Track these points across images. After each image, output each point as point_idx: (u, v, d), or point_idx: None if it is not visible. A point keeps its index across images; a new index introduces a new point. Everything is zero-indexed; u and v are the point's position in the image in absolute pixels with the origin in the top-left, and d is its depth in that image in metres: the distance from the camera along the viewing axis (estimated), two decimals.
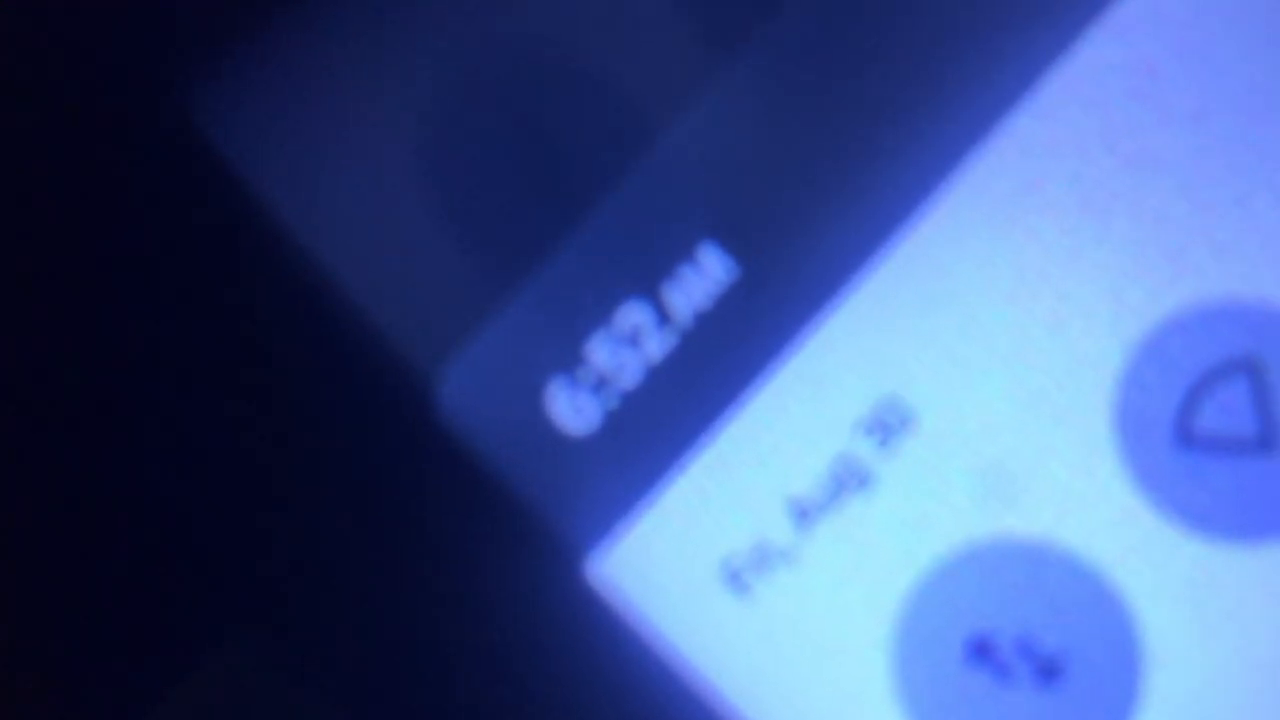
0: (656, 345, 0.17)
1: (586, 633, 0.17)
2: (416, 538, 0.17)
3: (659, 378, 0.17)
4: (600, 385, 0.17)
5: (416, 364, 0.17)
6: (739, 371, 0.17)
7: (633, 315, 0.17)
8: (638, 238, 0.17)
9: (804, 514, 0.17)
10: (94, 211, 0.17)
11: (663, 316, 0.17)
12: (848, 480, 0.17)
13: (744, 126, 0.17)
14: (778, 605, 0.17)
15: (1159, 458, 0.17)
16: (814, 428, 0.17)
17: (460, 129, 0.17)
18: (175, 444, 0.17)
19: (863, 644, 0.17)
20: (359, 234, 0.17)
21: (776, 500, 0.17)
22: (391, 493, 0.17)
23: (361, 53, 0.17)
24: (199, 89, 0.17)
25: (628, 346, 0.17)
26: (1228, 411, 0.17)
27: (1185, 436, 0.17)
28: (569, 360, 0.17)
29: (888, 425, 0.17)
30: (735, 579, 0.17)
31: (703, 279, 0.17)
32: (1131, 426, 0.17)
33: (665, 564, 0.17)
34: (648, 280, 0.17)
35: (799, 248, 0.17)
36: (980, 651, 0.17)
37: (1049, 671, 0.17)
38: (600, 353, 0.17)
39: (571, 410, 0.17)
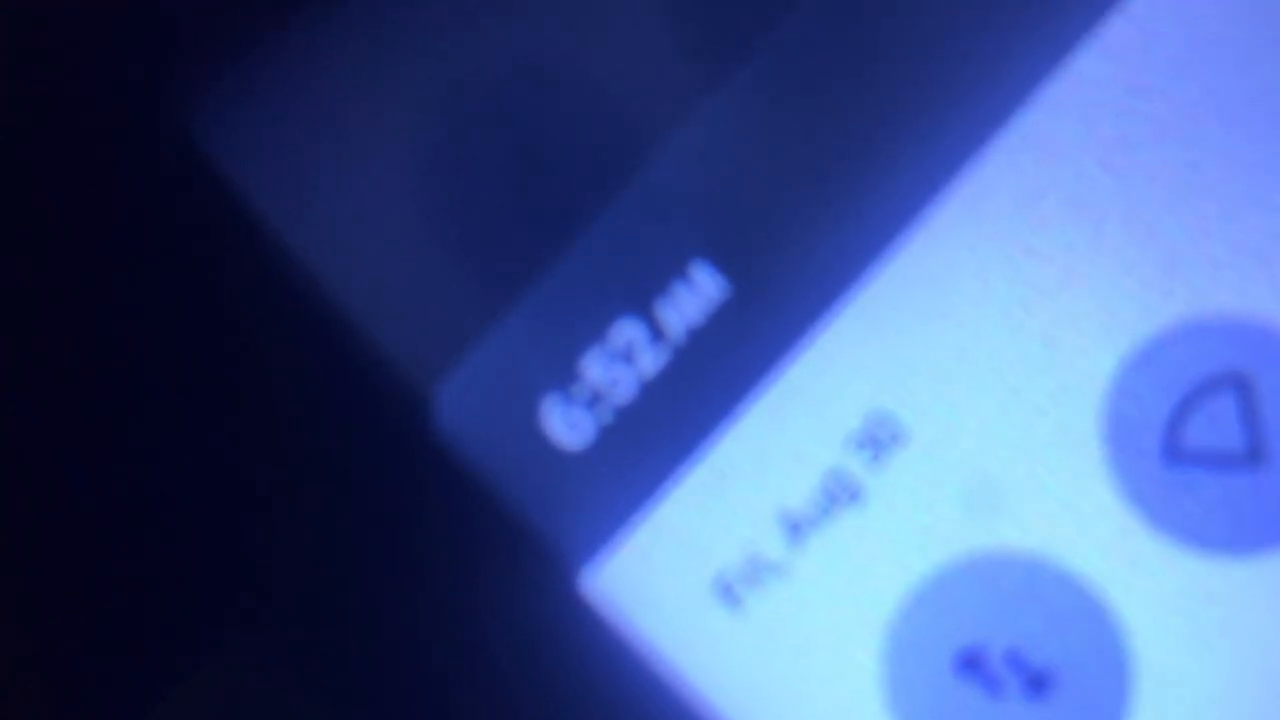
0: (650, 361, 0.17)
1: (581, 645, 0.17)
2: (413, 550, 0.17)
3: (652, 393, 0.17)
4: (594, 401, 0.17)
5: (413, 379, 0.17)
6: (731, 387, 0.17)
7: (626, 332, 0.17)
8: (631, 255, 0.17)
9: (796, 528, 0.17)
10: (93, 226, 0.17)
11: (656, 333, 0.17)
12: (839, 494, 0.17)
13: (735, 145, 0.17)
14: (770, 618, 0.17)
15: (1148, 472, 0.17)
16: (805, 442, 0.17)
17: (456, 147, 0.17)
18: (176, 452, 0.17)
19: (854, 656, 0.17)
20: (356, 250, 0.17)
21: (769, 514, 0.17)
22: (388, 505, 0.17)
23: (360, 70, 0.17)
24: (198, 105, 0.17)
25: (621, 362, 0.17)
26: (1216, 426, 0.17)
27: (1174, 451, 0.17)
28: (563, 376, 0.17)
29: (878, 440, 0.17)
30: (728, 592, 0.17)
31: (695, 296, 0.17)
32: (1121, 440, 0.17)
33: (659, 577, 0.17)
34: (641, 297, 0.17)
35: (790, 265, 0.17)
36: (970, 664, 0.17)
37: (1039, 684, 0.17)
38: (594, 369, 0.17)
39: (566, 425, 0.17)
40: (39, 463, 0.17)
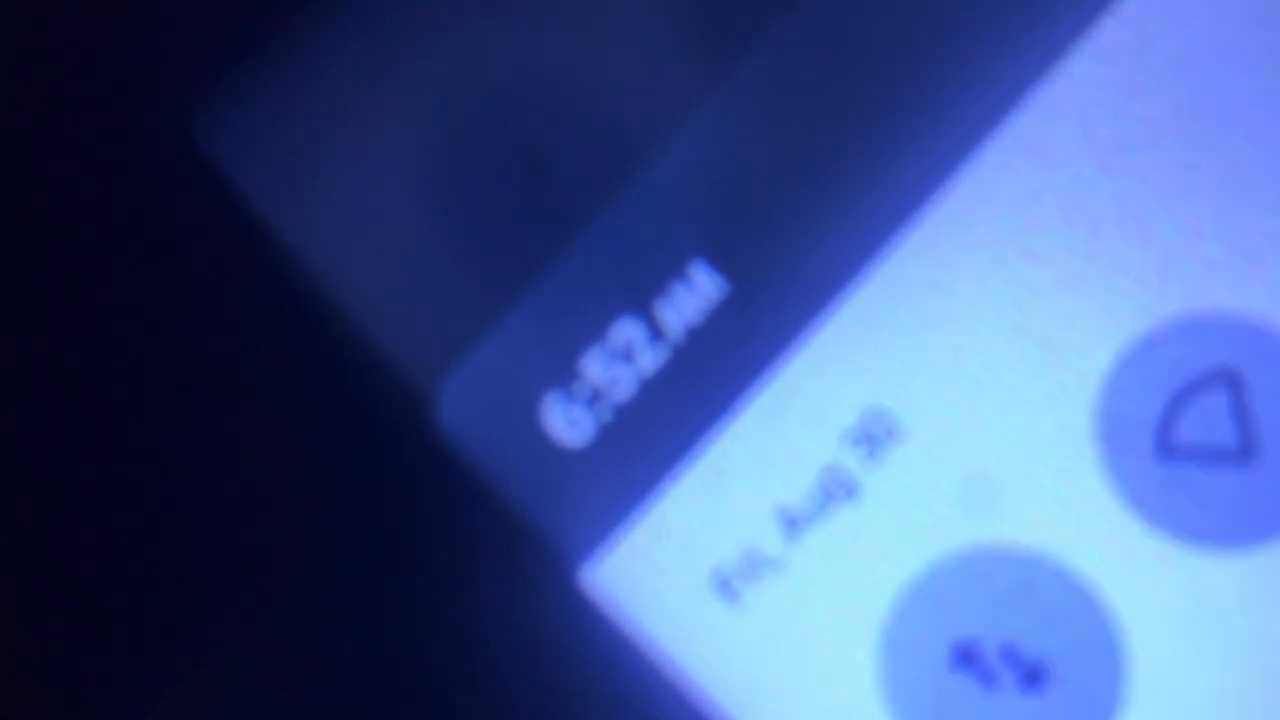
0: (649, 360, 0.17)
1: (581, 640, 0.17)
2: (415, 546, 0.17)
3: (651, 391, 0.17)
4: (594, 399, 0.17)
5: (415, 378, 0.17)
6: (729, 385, 0.17)
7: (626, 331, 0.17)
8: (630, 256, 0.17)
9: (793, 523, 0.17)
10: (94, 226, 0.17)
11: (655, 332, 0.17)
12: (835, 490, 0.17)
13: (733, 147, 0.17)
14: (767, 612, 0.17)
15: (1142, 468, 0.17)
16: (802, 439, 0.17)
17: (457, 149, 0.17)
18: (176, 452, 0.17)
19: (851, 649, 0.17)
20: (357, 250, 0.17)
21: (766, 510, 0.17)
22: (390, 503, 0.17)
23: (361, 70, 0.17)
24: (200, 106, 0.17)
25: (621, 361, 0.17)
26: (1209, 422, 0.17)
27: (1167, 447, 0.17)
28: (564, 374, 0.17)
29: (874, 436, 0.17)
30: (726, 587, 0.17)
31: (693, 295, 0.17)
32: (1115, 437, 0.17)
33: (658, 572, 0.17)
34: (640, 297, 0.17)
35: (787, 264, 0.17)
36: (966, 657, 0.17)
37: (1033, 677, 0.17)
38: (594, 367, 0.17)
39: (566, 423, 0.17)
40: (39, 463, 0.17)
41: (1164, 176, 0.17)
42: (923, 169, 0.17)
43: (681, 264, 0.17)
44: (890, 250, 0.17)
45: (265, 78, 0.17)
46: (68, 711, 0.17)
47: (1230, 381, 0.17)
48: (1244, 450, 0.17)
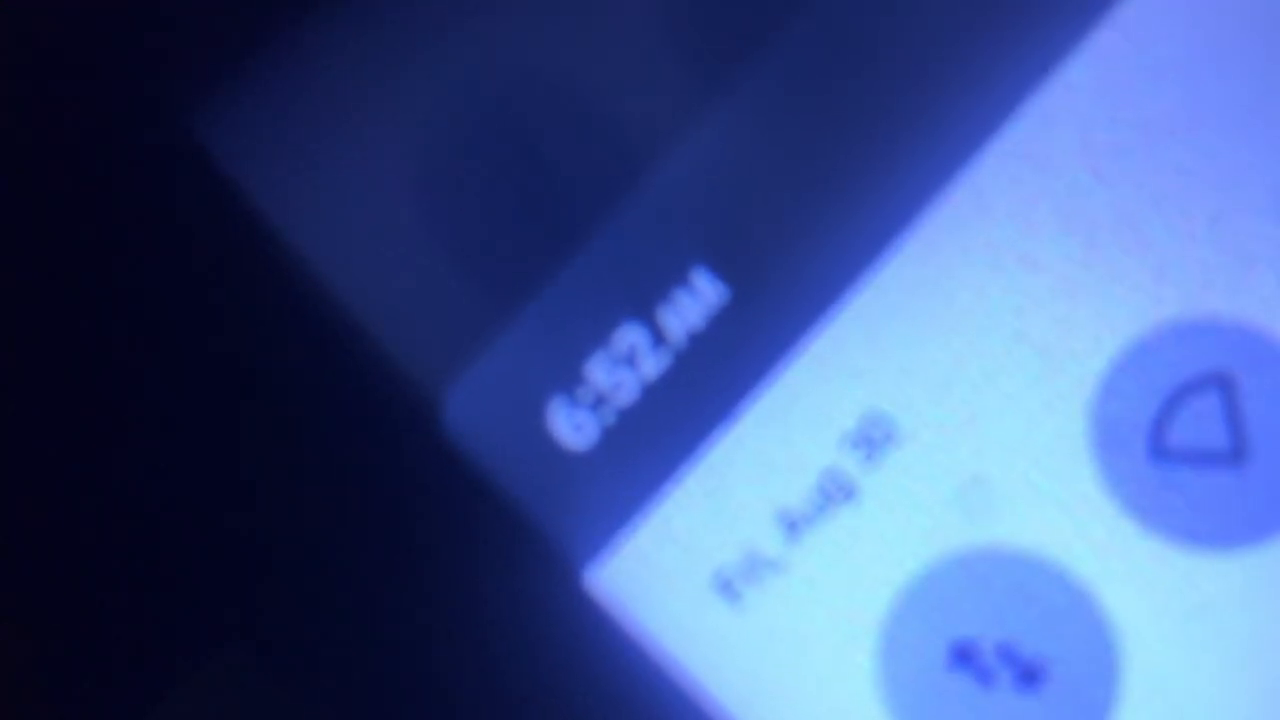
0: (652, 365, 0.17)
1: (585, 640, 0.17)
2: (421, 548, 0.17)
3: (654, 396, 0.17)
4: (598, 403, 0.17)
5: (422, 383, 0.17)
6: (730, 389, 0.17)
7: (629, 336, 0.17)
8: (633, 262, 0.17)
9: (793, 525, 0.17)
10: (96, 226, 0.17)
11: (658, 337, 0.17)
12: (834, 493, 0.17)
13: (735, 155, 0.17)
14: (768, 613, 0.17)
15: (1135, 470, 0.17)
16: (802, 443, 0.17)
17: (462, 156, 0.17)
18: (181, 453, 0.17)
19: (850, 649, 0.17)
20: (365, 256, 0.17)
21: (766, 512, 0.17)
22: (398, 504, 0.17)
23: (367, 71, 0.17)
24: (204, 106, 0.17)
25: (624, 366, 0.17)
26: (1201, 425, 0.17)
27: (1160, 449, 0.17)
28: (569, 379, 0.17)
29: (873, 440, 0.17)
30: (728, 588, 0.17)
31: (695, 301, 0.17)
32: (1108, 439, 0.17)
33: (661, 574, 0.17)
34: (643, 303, 0.17)
35: (787, 270, 0.17)
36: (963, 656, 0.17)
37: (1030, 676, 0.17)
38: (598, 372, 0.17)
39: (571, 427, 0.17)
40: (39, 463, 0.17)
41: (1159, 183, 0.17)
42: (921, 176, 0.17)
43: (684, 271, 0.17)
44: (889, 257, 0.17)
45: (270, 77, 0.17)
46: (68, 711, 0.17)
47: (1222, 385, 0.17)
48: (1236, 453, 0.17)
